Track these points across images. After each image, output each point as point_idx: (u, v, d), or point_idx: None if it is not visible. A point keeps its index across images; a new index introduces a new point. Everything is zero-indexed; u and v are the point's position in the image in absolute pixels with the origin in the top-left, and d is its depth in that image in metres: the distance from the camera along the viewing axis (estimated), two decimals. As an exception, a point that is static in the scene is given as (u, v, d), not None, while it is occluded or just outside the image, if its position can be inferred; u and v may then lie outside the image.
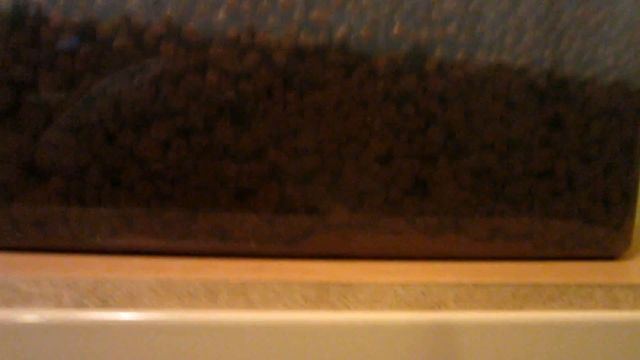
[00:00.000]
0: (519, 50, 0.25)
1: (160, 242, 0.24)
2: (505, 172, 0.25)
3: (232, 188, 0.24)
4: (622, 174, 0.27)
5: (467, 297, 0.21)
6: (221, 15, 0.22)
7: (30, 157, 0.23)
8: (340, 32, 0.23)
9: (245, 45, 0.22)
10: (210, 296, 0.20)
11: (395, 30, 0.23)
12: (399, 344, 0.20)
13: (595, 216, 0.27)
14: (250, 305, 0.20)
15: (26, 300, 0.20)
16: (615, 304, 0.22)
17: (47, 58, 0.22)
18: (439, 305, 0.21)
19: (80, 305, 0.20)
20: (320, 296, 0.21)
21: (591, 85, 0.26)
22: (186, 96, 0.23)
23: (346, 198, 0.24)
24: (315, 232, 0.25)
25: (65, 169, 0.23)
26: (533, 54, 0.25)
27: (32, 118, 0.23)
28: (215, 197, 0.24)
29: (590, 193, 0.26)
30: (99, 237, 0.24)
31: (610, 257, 0.28)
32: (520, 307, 0.21)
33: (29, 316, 0.19)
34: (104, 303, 0.20)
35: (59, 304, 0.20)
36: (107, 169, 0.23)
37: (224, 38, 0.22)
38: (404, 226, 0.25)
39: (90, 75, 0.22)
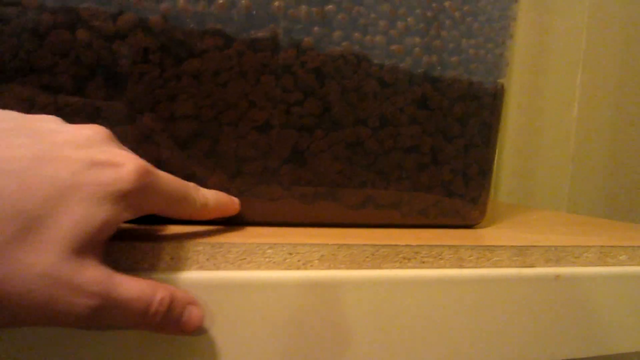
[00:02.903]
0: (393, 34, 0.27)
1: None
2: (377, 146, 0.27)
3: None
4: (480, 152, 0.30)
5: (331, 257, 0.23)
6: (94, -29, 0.22)
7: None
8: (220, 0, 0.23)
9: (119, 5, 0.22)
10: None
11: (275, 4, 0.24)
12: (269, 301, 0.21)
13: (456, 189, 0.30)
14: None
15: None
16: (460, 263, 0.25)
17: None
18: (305, 265, 0.22)
19: None
20: (189, 256, 0.21)
21: (455, 71, 0.28)
22: (53, 53, 0.22)
23: (224, 165, 0.25)
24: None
25: None
26: (405, 40, 0.27)
27: None
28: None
29: (451, 168, 0.29)
30: None
31: (468, 226, 0.31)
32: (379, 266, 0.23)
33: None
34: None
35: None
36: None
37: (96, -5, 0.22)
38: (281, 193, 0.26)
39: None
